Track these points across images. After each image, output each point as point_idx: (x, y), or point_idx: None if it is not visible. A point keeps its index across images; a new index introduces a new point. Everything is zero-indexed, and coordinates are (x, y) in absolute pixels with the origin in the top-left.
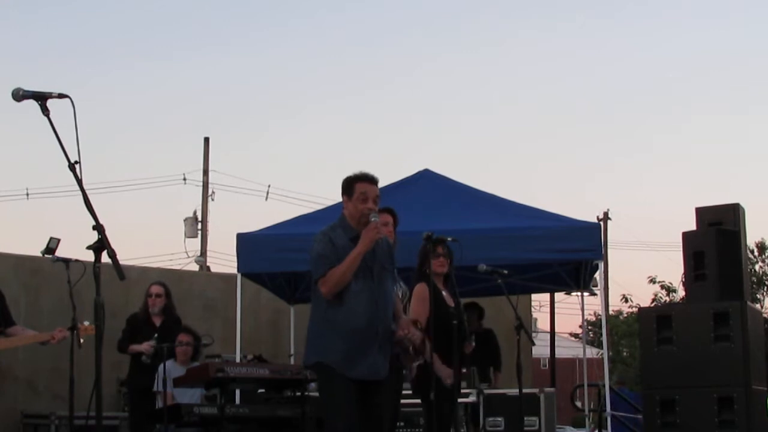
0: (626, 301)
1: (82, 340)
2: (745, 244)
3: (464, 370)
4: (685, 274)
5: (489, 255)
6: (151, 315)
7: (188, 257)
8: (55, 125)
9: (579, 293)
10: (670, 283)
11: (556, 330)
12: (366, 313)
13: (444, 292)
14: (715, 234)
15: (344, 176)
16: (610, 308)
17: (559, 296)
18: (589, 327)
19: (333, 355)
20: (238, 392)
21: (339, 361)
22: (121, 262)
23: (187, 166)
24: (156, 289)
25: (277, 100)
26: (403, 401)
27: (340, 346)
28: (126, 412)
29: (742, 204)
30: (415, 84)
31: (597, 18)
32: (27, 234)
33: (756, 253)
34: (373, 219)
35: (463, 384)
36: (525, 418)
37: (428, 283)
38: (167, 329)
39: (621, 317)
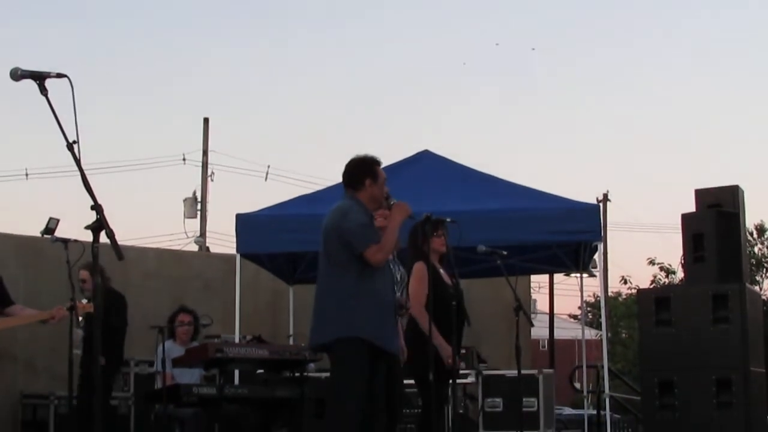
0: (625, 282)
1: (81, 318)
2: (745, 226)
3: (463, 351)
4: (684, 256)
5: (488, 236)
6: (88, 300)
7: (187, 238)
8: (53, 105)
9: (578, 275)
10: (669, 265)
11: (555, 311)
12: (388, 288)
13: (442, 271)
14: (715, 216)
15: (355, 157)
16: (609, 290)
17: (558, 277)
18: (588, 308)
19: (368, 328)
20: (237, 373)
21: (374, 334)
22: (119, 243)
23: (186, 146)
24: (82, 274)
25: (276, 81)
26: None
27: (375, 319)
28: (125, 392)
29: (742, 186)
30: (415, 64)
31: None
32: (26, 214)
33: (755, 235)
34: (392, 203)
35: (461, 365)
36: (524, 399)
37: (427, 262)
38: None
39: (620, 299)
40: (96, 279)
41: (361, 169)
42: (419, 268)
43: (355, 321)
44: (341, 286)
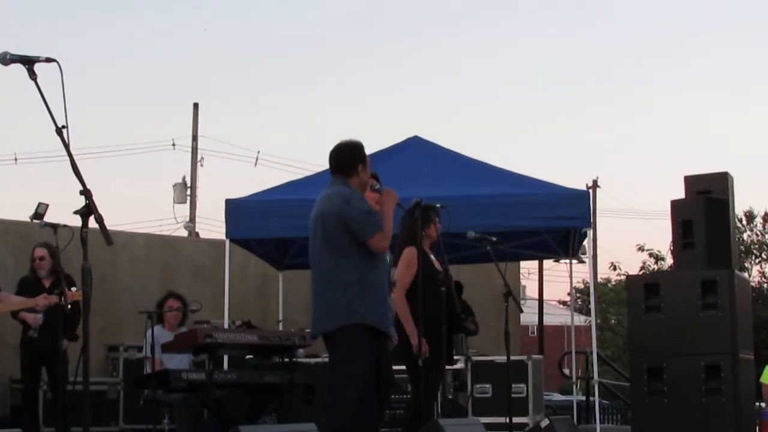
0: (614, 268)
1: (69, 306)
2: (734, 213)
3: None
4: (674, 242)
5: (478, 222)
6: (39, 278)
7: (177, 223)
8: (42, 90)
9: (567, 261)
10: (659, 251)
11: (545, 297)
12: (385, 269)
13: (432, 257)
14: (704, 202)
15: (344, 142)
16: (599, 276)
17: (547, 264)
18: (578, 294)
19: (374, 315)
20: (226, 358)
21: (379, 320)
22: (108, 228)
23: (176, 131)
24: (40, 252)
25: (266, 66)
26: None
27: (378, 304)
28: (114, 377)
29: (731, 172)
30: (404, 50)
31: None
32: (15, 199)
33: (744, 222)
34: (377, 188)
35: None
36: (513, 385)
37: (418, 248)
38: (57, 288)
39: (609, 285)
40: (85, 264)
41: (353, 155)
42: (410, 253)
43: (360, 308)
44: (344, 273)
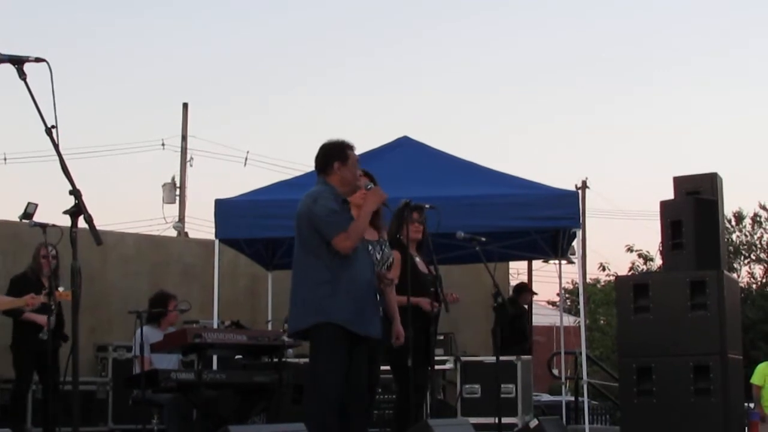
0: (604, 269)
1: (54, 306)
2: (723, 214)
3: (441, 337)
4: (663, 242)
5: (467, 222)
6: (40, 276)
7: (166, 223)
8: (32, 89)
9: (557, 261)
10: (648, 252)
11: (534, 298)
12: (366, 271)
13: (417, 259)
14: (693, 203)
15: (326, 142)
16: (588, 276)
17: (536, 264)
18: (567, 295)
19: (343, 314)
20: (215, 358)
21: (350, 319)
22: (98, 228)
23: (165, 131)
24: (52, 251)
25: (255, 67)
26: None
27: (349, 305)
28: (103, 377)
29: (720, 173)
30: (393, 51)
31: None
32: (4, 199)
33: (733, 223)
34: (369, 187)
35: (440, 351)
36: (502, 386)
37: (402, 250)
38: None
39: (598, 285)
40: (74, 263)
41: (329, 153)
42: (394, 256)
43: (330, 307)
44: (316, 272)
